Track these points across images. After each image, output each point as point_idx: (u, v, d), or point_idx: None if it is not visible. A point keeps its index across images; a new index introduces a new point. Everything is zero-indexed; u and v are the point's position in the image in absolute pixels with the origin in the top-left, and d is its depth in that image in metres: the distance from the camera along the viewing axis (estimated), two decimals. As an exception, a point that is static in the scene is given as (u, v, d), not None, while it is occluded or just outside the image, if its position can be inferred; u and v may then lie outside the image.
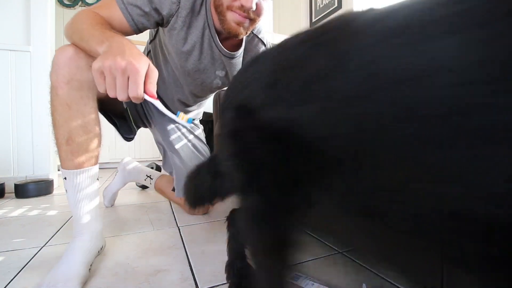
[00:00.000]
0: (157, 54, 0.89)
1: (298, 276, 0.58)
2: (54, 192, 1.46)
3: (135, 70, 0.48)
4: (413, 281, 0.57)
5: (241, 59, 0.86)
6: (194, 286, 0.56)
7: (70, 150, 0.60)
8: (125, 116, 0.92)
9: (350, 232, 0.38)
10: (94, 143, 0.63)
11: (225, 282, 0.57)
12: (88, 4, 2.68)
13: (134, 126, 0.96)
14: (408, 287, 0.56)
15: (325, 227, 0.52)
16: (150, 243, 0.78)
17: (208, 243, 0.77)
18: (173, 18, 0.73)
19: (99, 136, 0.65)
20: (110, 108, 0.86)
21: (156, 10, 0.70)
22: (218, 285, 0.56)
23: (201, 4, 0.74)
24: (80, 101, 0.60)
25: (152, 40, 0.89)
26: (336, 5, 1.95)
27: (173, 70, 0.89)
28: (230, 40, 0.80)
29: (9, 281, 0.58)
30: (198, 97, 1.00)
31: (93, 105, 0.63)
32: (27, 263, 0.66)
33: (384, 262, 0.52)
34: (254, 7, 0.65)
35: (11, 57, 1.44)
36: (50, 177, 1.52)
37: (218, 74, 0.88)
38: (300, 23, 2.39)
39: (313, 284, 0.55)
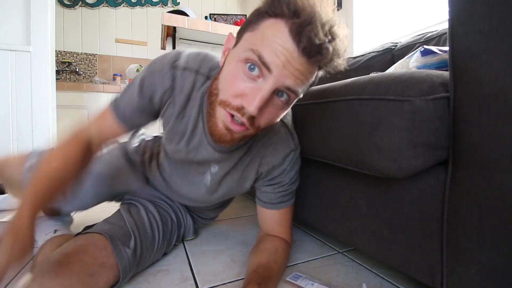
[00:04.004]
0: None
1: (298, 276, 0.58)
2: (54, 192, 1.46)
3: None
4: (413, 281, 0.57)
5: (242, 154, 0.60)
6: (194, 286, 0.56)
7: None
8: None
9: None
10: None
11: (225, 282, 0.58)
12: (88, 4, 2.66)
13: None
14: (408, 287, 0.56)
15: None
16: (150, 243, 0.78)
17: (208, 243, 0.77)
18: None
19: None
20: None
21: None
22: (218, 285, 0.56)
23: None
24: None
25: None
26: (336, 5, 1.95)
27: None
28: None
29: (9, 281, 0.58)
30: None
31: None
32: (27, 263, 0.66)
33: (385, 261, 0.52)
34: (255, 113, 0.42)
35: (11, 57, 1.44)
36: (50, 177, 1.51)
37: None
38: (300, 23, 2.38)
39: (313, 284, 0.55)
